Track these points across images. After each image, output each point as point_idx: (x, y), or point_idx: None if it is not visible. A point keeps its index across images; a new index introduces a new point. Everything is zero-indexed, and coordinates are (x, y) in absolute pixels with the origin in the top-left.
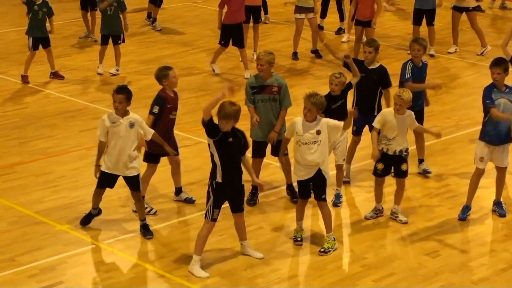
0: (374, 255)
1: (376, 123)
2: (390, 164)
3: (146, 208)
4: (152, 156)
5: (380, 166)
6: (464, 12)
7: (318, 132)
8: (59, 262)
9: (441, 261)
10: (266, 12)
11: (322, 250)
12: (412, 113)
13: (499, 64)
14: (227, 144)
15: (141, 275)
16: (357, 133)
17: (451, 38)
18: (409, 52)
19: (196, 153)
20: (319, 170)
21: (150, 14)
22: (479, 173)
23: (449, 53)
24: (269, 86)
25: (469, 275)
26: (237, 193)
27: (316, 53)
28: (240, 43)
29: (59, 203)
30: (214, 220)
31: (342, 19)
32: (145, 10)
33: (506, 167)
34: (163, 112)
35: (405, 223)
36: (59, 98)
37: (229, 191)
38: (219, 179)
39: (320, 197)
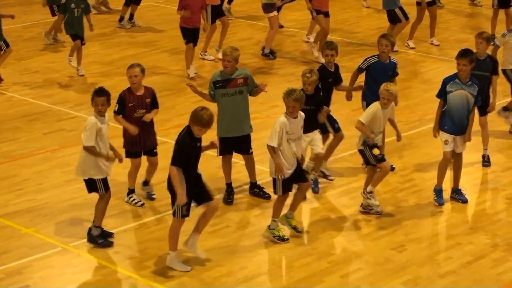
0: (341, 251)
1: (365, 119)
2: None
3: (134, 199)
4: (132, 152)
5: (377, 150)
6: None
7: (302, 127)
8: (26, 266)
9: (408, 255)
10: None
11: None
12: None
13: (465, 55)
14: (195, 150)
15: (108, 276)
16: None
17: (410, 33)
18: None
19: (161, 154)
20: (297, 159)
21: (132, 15)
22: (445, 158)
23: (432, 44)
24: (234, 79)
25: (436, 268)
26: (199, 187)
27: (271, 54)
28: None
29: (24, 206)
30: (184, 216)
31: None
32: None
33: (461, 153)
34: (126, 111)
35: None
36: (21, 100)
37: (192, 192)
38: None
39: (307, 179)
